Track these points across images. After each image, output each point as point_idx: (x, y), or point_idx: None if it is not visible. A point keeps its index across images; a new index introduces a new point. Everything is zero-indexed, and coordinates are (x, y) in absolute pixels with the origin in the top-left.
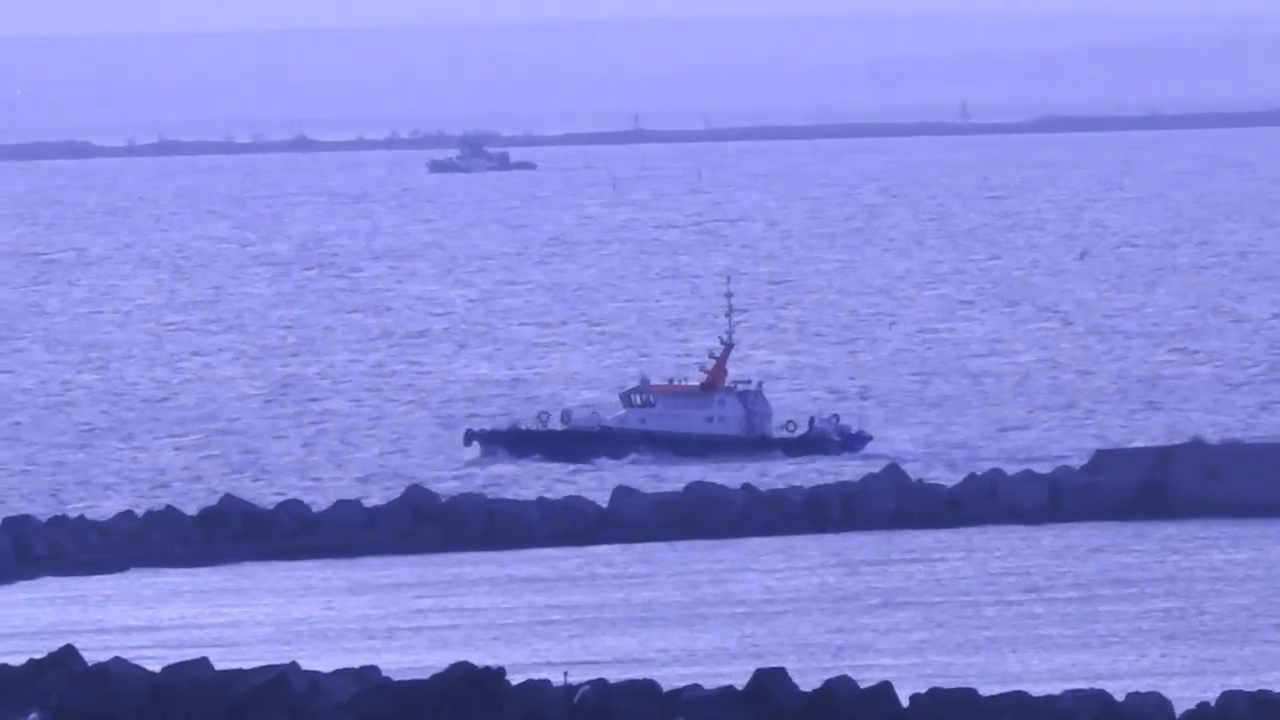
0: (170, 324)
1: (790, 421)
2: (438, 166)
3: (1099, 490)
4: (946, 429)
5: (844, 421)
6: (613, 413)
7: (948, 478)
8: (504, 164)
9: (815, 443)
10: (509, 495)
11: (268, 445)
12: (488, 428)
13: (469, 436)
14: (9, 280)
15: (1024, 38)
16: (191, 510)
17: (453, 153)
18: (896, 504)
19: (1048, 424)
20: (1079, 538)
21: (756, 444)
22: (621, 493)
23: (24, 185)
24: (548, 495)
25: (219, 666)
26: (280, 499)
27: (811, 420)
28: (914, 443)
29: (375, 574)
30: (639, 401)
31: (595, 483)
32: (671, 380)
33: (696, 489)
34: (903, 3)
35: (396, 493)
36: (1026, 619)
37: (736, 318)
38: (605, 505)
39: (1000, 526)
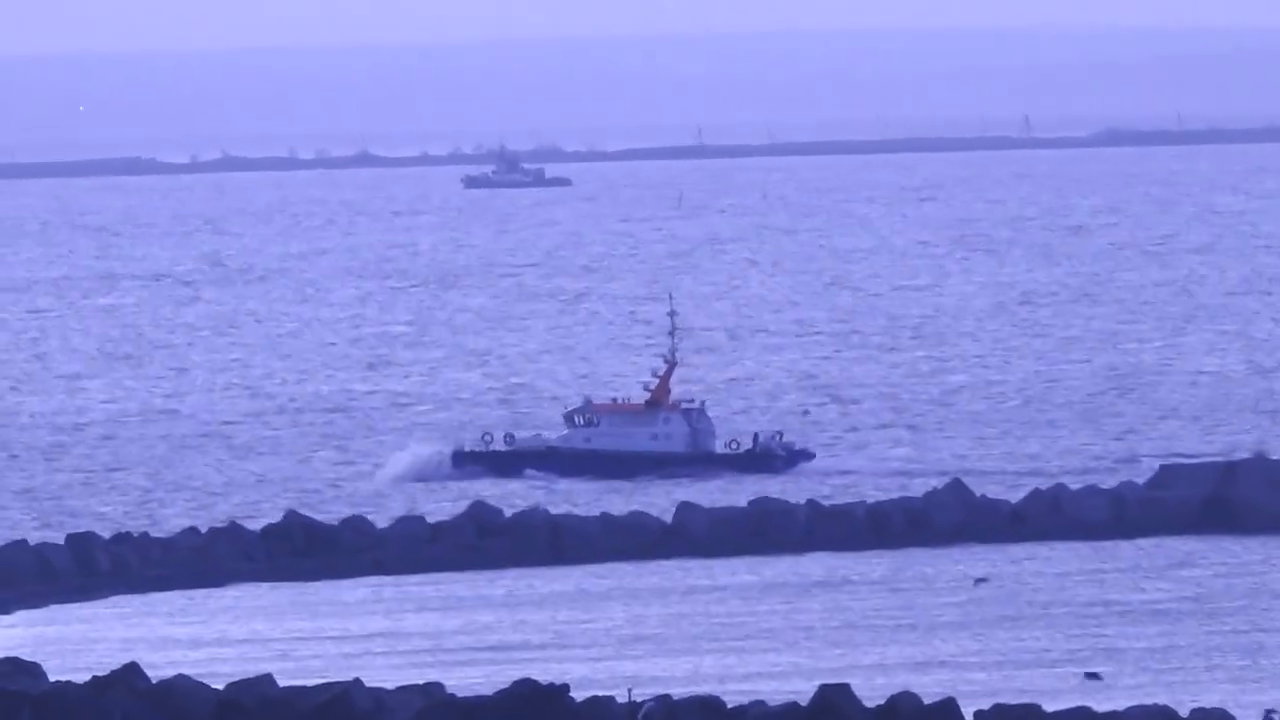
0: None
1: (734, 439)
2: (472, 182)
3: (1163, 505)
4: (999, 442)
5: (788, 438)
6: (556, 433)
7: (1010, 492)
8: (539, 180)
9: (760, 459)
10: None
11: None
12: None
13: (414, 458)
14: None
15: (1087, 50)
16: (255, 526)
17: (489, 168)
18: (961, 518)
19: (1110, 437)
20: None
21: (701, 461)
22: (685, 508)
23: (97, 202)
24: (611, 512)
25: (283, 683)
26: (344, 515)
27: (756, 437)
28: (871, 459)
29: (439, 589)
30: (582, 421)
31: (554, 500)
32: (615, 399)
33: (760, 504)
34: (966, 15)
35: (459, 508)
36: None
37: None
38: (669, 520)
39: (1064, 542)
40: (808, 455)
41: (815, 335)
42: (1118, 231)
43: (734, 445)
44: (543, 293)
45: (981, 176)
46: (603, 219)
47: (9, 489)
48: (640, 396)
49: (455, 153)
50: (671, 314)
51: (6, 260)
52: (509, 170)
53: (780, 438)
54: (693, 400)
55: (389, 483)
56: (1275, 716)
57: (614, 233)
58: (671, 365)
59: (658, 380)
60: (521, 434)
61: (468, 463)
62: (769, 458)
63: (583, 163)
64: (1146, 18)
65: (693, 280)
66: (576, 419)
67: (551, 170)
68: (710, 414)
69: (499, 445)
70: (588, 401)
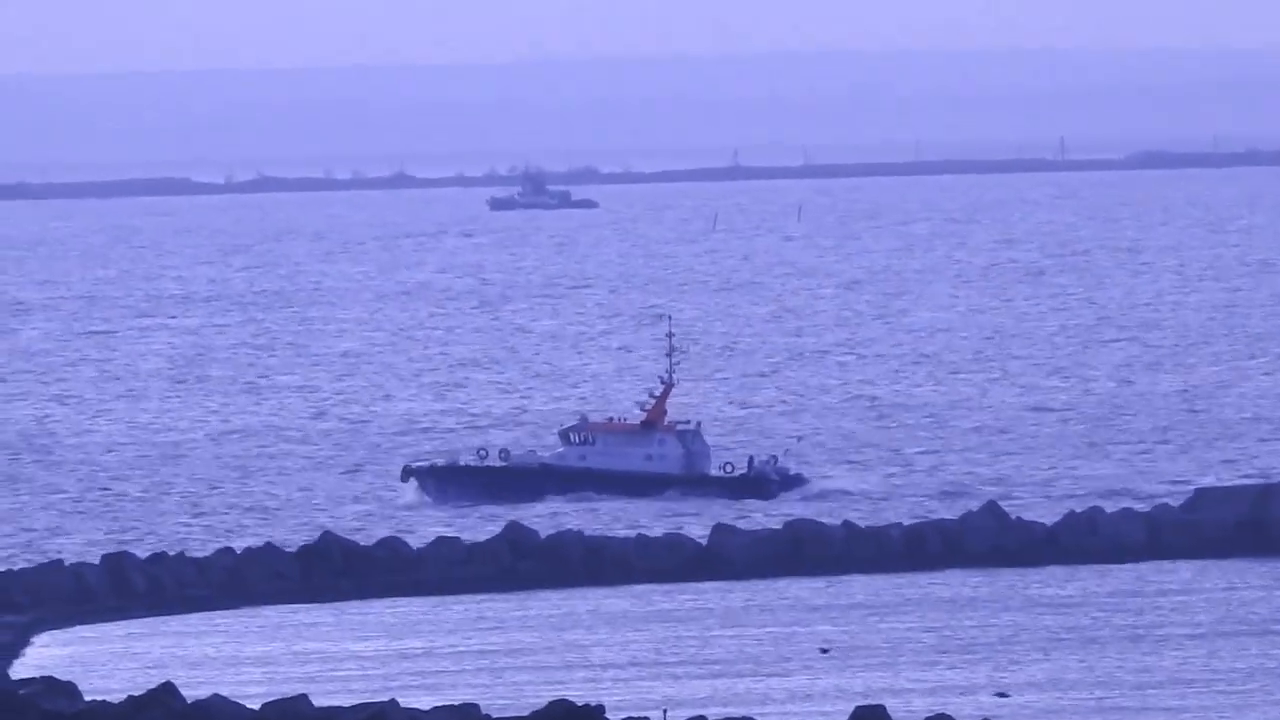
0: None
1: (728, 463)
2: (498, 204)
3: (1199, 527)
4: (1037, 463)
5: (782, 463)
6: (551, 450)
7: (1047, 514)
8: (565, 202)
9: (754, 483)
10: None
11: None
12: (425, 464)
13: (406, 473)
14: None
15: (1123, 73)
16: (291, 547)
17: (515, 190)
18: (996, 540)
19: (1146, 459)
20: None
21: (695, 483)
22: (721, 530)
23: (136, 222)
24: (647, 533)
25: (318, 703)
26: (380, 536)
27: (751, 460)
28: (867, 482)
29: (474, 610)
30: (577, 439)
31: (545, 519)
32: (611, 419)
33: (796, 526)
34: (1001, 36)
35: (495, 530)
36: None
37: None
38: (704, 542)
39: (1100, 564)
40: (802, 480)
41: (865, 356)
42: (1167, 254)
43: (728, 468)
44: (609, 313)
45: (1019, 198)
46: (643, 240)
47: (56, 508)
48: (637, 416)
49: (490, 174)
50: (669, 335)
51: (67, 278)
52: (535, 192)
53: (775, 462)
54: (688, 422)
55: (408, 502)
56: None
57: (658, 254)
58: (668, 386)
59: (654, 401)
60: (517, 451)
61: (459, 478)
62: (763, 482)
63: (618, 184)
64: (1182, 40)
65: (749, 300)
66: (572, 437)
67: (586, 192)
68: (706, 436)
69: (494, 461)
70: (583, 419)
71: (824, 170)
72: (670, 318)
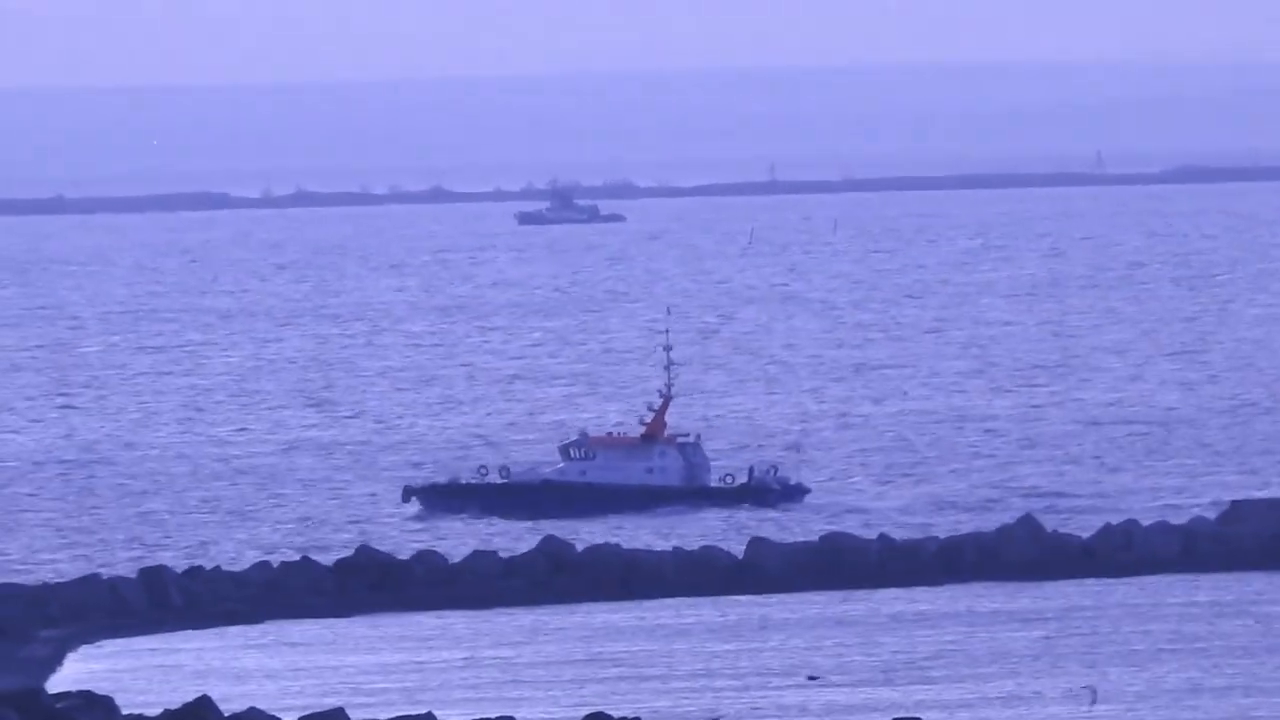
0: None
1: (728, 474)
2: (526, 219)
3: (1234, 540)
4: (1075, 474)
5: (782, 473)
6: (552, 466)
7: (1084, 527)
8: (593, 216)
9: (755, 493)
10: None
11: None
12: (426, 482)
13: (407, 492)
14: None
15: (1160, 86)
16: (327, 560)
17: (543, 205)
18: (1032, 554)
19: (1182, 473)
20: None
21: (697, 495)
22: (757, 543)
23: (182, 237)
24: (684, 547)
25: (355, 716)
26: (417, 549)
27: (751, 470)
28: (884, 498)
29: (511, 624)
30: (578, 454)
31: (561, 533)
32: (611, 433)
33: (832, 539)
34: (1038, 50)
35: (532, 543)
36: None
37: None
38: (741, 555)
39: (1136, 577)
40: (803, 490)
41: (914, 369)
42: (1221, 266)
43: (729, 479)
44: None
45: (1061, 212)
46: (681, 257)
47: (104, 522)
48: (636, 430)
49: (527, 188)
50: (667, 348)
51: (124, 292)
52: (563, 207)
53: (775, 472)
54: (688, 434)
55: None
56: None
57: (700, 270)
58: (667, 399)
59: (653, 414)
60: (517, 467)
61: (460, 496)
62: (764, 492)
63: (655, 198)
64: (1219, 53)
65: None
66: (572, 452)
67: (624, 206)
68: (705, 447)
69: (494, 478)
70: (583, 434)
71: (861, 184)
72: (667, 331)
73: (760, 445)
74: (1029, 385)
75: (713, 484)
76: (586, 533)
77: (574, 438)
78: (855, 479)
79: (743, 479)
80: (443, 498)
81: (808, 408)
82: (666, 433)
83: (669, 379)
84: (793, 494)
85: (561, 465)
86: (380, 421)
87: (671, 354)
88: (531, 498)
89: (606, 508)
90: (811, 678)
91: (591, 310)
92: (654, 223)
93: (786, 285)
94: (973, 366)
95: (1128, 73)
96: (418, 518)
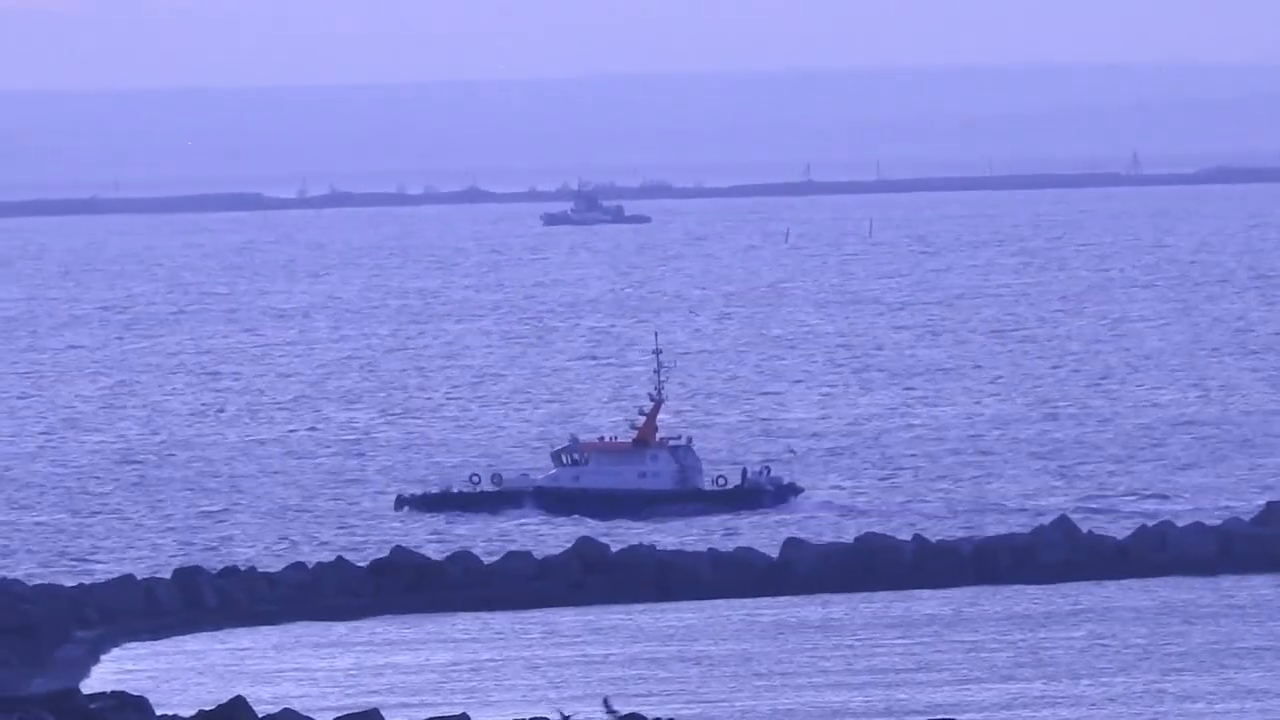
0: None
1: (720, 476)
2: (551, 219)
3: (1271, 541)
4: (1112, 479)
5: (775, 474)
6: (544, 472)
7: (1117, 529)
8: (618, 217)
9: (748, 495)
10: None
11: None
12: (419, 491)
13: (400, 503)
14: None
15: (1196, 88)
16: (362, 561)
17: (567, 206)
18: (1067, 555)
19: (1216, 474)
20: None
21: (690, 498)
22: (791, 544)
23: (236, 236)
24: (718, 548)
25: (390, 717)
26: (450, 551)
27: (744, 472)
28: (854, 493)
29: (545, 625)
30: (570, 460)
31: (568, 539)
32: (603, 438)
33: (867, 540)
34: (1074, 53)
35: (566, 545)
36: None
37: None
38: (775, 557)
39: (1171, 578)
40: (795, 490)
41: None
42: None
43: (721, 481)
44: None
45: (1107, 213)
46: (722, 255)
47: (142, 523)
48: (628, 435)
49: (563, 189)
50: (657, 352)
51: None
52: (588, 208)
53: (768, 473)
54: (679, 437)
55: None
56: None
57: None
58: (658, 403)
59: (644, 418)
60: (508, 474)
61: (453, 504)
62: (757, 493)
63: (691, 199)
64: (1254, 55)
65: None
66: (564, 458)
67: (659, 207)
68: (696, 449)
69: (486, 486)
70: (575, 440)
71: (896, 185)
72: (657, 334)
73: (752, 446)
74: (1063, 386)
75: (706, 486)
76: (621, 534)
77: (566, 443)
78: (864, 480)
79: (735, 481)
80: (434, 507)
81: (841, 410)
82: (658, 436)
83: (660, 383)
84: (785, 495)
85: (554, 471)
86: (443, 421)
87: (662, 358)
88: (523, 505)
89: (599, 514)
90: (607, 707)
91: (645, 311)
92: (686, 223)
93: (841, 284)
94: (1010, 368)
95: (1163, 75)
96: (451, 516)
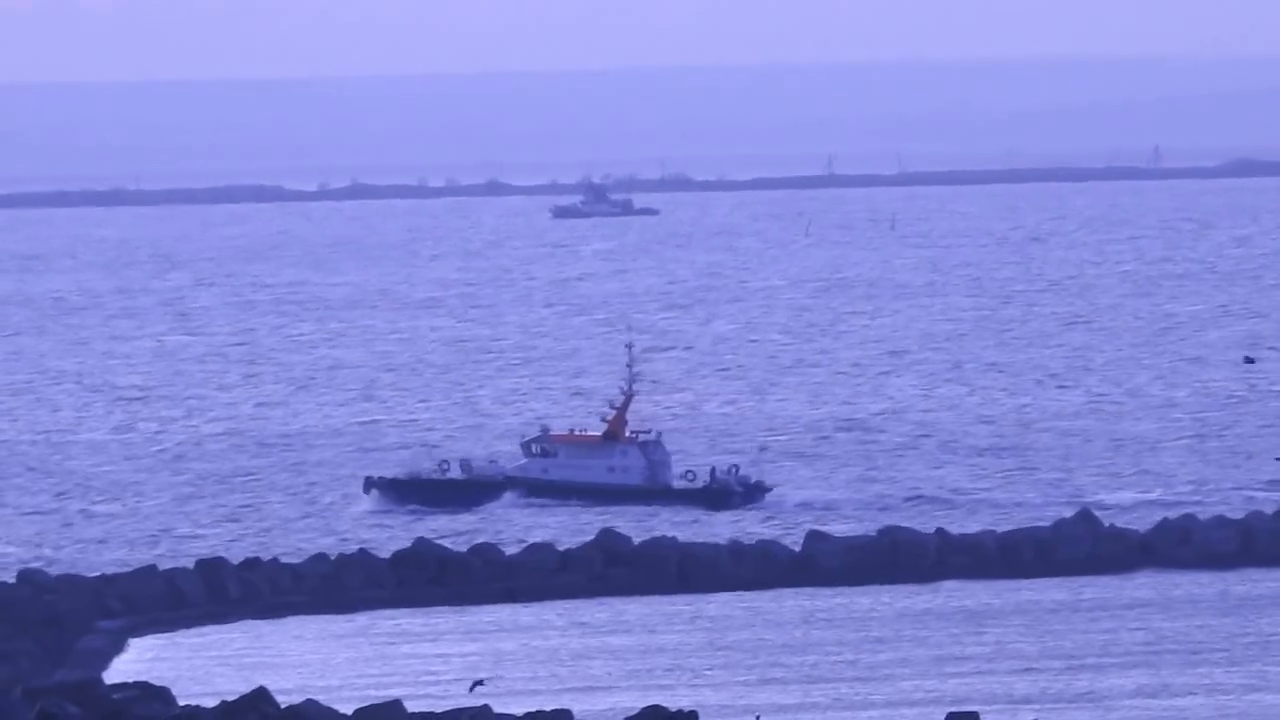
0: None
1: (689, 471)
2: (561, 212)
3: None
4: (1150, 472)
5: (743, 472)
6: (513, 462)
7: (1141, 522)
8: (627, 209)
9: (717, 493)
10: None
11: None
12: (387, 476)
13: (368, 484)
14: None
15: (1216, 81)
16: (385, 553)
17: (577, 199)
18: (1089, 549)
19: (1241, 466)
20: None
21: (658, 494)
22: (814, 537)
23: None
24: (740, 539)
25: (411, 709)
26: (473, 543)
27: (713, 470)
28: (832, 489)
29: (567, 617)
30: (539, 451)
31: (594, 528)
32: (573, 430)
33: (890, 533)
34: (1095, 47)
35: (587, 537)
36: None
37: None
38: (798, 549)
39: (1194, 572)
40: (764, 489)
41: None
42: None
43: (690, 478)
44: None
45: (1133, 206)
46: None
47: (163, 512)
48: (598, 428)
49: (583, 181)
50: (629, 346)
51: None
52: (597, 201)
53: (736, 471)
54: (649, 432)
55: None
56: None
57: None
58: (629, 397)
59: (614, 412)
60: (478, 463)
61: (421, 490)
62: (726, 492)
63: (713, 192)
64: (1275, 46)
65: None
66: (534, 448)
67: (678, 199)
68: (669, 446)
69: (455, 473)
70: (545, 431)
71: (917, 178)
72: (630, 328)
73: (724, 444)
74: (1090, 378)
75: (674, 483)
76: (642, 526)
77: (535, 434)
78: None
79: (705, 479)
80: (403, 492)
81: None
82: (628, 431)
83: (630, 377)
84: (754, 494)
85: (523, 462)
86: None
87: (634, 351)
88: (491, 494)
89: (568, 504)
90: (477, 682)
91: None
92: (696, 216)
93: (895, 276)
94: (1041, 360)
95: (1181, 68)
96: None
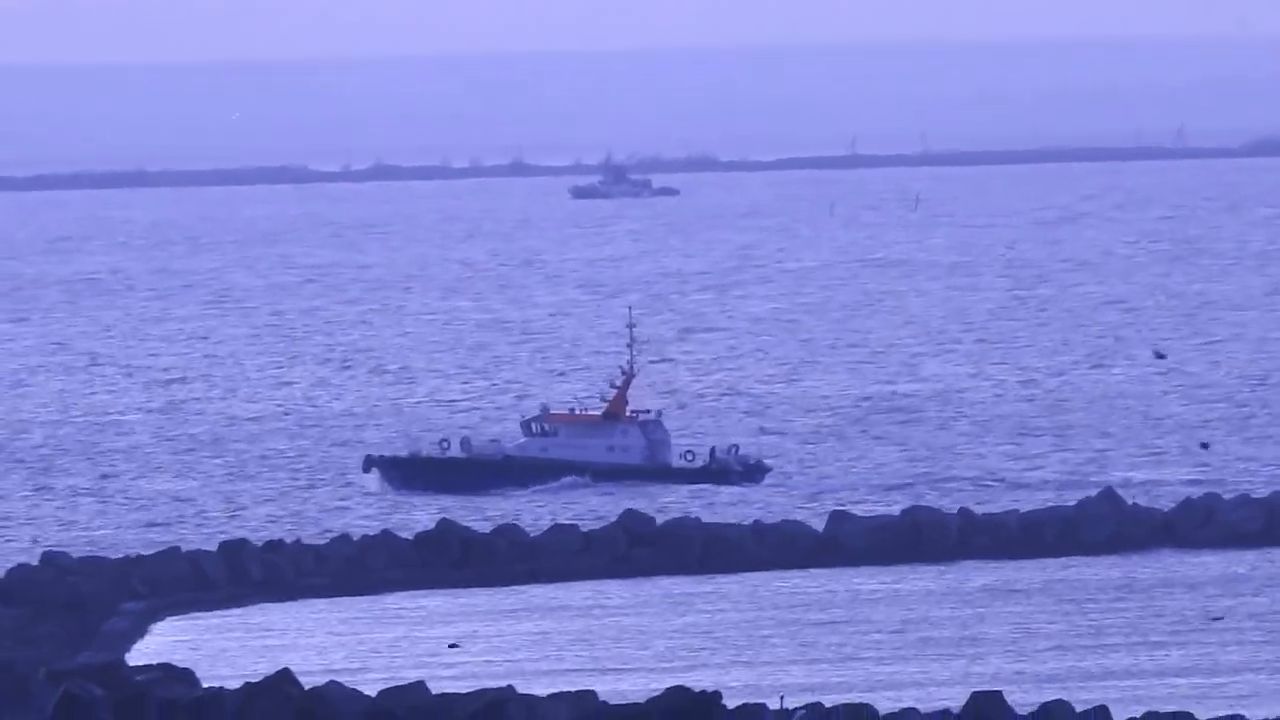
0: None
1: (689, 451)
2: (580, 193)
3: None
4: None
5: (743, 451)
6: (513, 441)
7: (1164, 501)
8: (646, 190)
9: (716, 473)
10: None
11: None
12: (387, 454)
13: (368, 463)
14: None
15: (1238, 62)
16: (408, 534)
17: (596, 179)
18: (1113, 528)
19: (1266, 445)
20: None
21: (658, 473)
22: (838, 517)
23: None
24: (764, 519)
25: (435, 690)
26: (496, 524)
27: (713, 450)
28: (842, 471)
29: (591, 598)
30: (539, 430)
31: (573, 511)
32: (573, 409)
33: (914, 513)
34: (1120, 29)
35: (611, 518)
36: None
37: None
38: (821, 529)
39: (1216, 551)
40: (764, 469)
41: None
42: None
43: (689, 457)
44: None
45: (1159, 186)
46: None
47: (186, 494)
48: (598, 407)
49: (607, 161)
50: (630, 326)
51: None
52: (616, 181)
53: (736, 451)
54: (649, 411)
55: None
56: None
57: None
58: (629, 376)
59: (615, 391)
60: (478, 441)
61: (422, 469)
62: (725, 471)
63: (736, 172)
64: None
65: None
66: (533, 427)
67: (702, 180)
68: (667, 425)
69: (455, 452)
70: (545, 410)
71: (941, 158)
72: (630, 309)
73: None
74: (1124, 357)
75: (674, 463)
76: (666, 506)
77: (535, 413)
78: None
79: (704, 458)
80: (403, 470)
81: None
82: (628, 410)
83: (632, 357)
84: (754, 473)
85: (523, 440)
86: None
87: (635, 331)
88: (491, 473)
89: (565, 484)
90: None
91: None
92: (716, 196)
93: (944, 256)
94: (1076, 339)
95: (1203, 49)
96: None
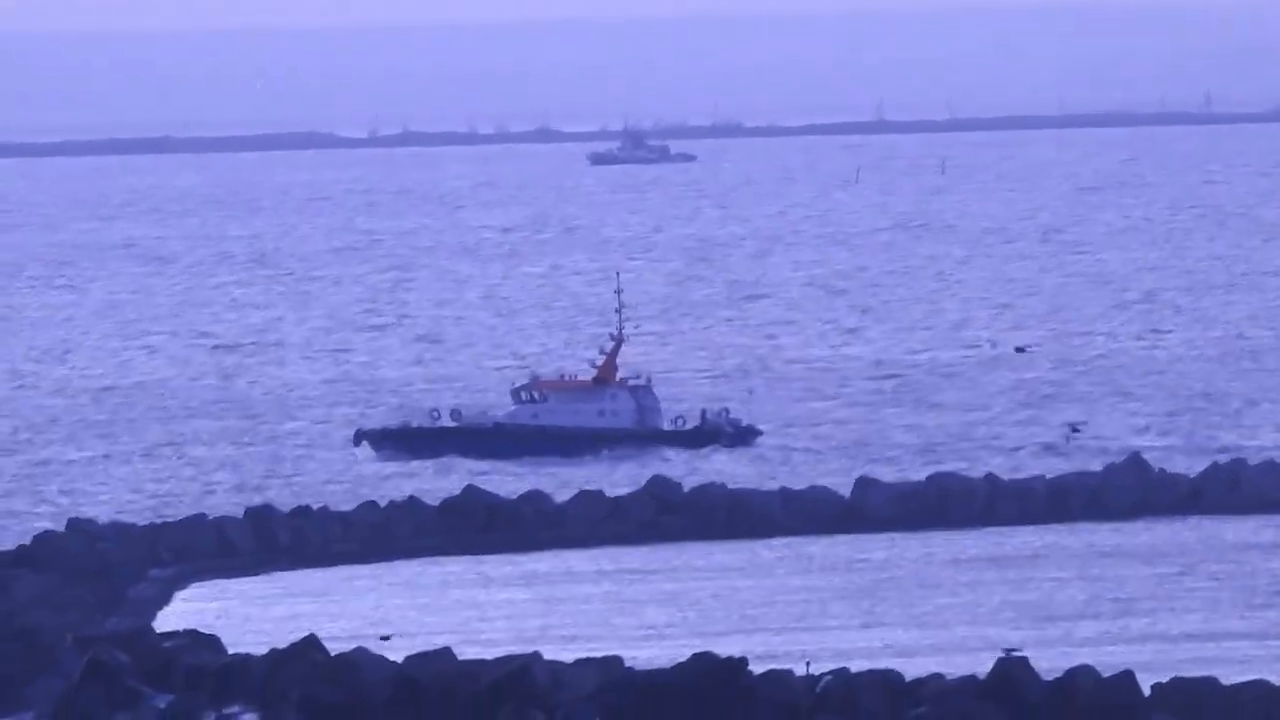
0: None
1: (679, 416)
2: (598, 159)
3: None
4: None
5: (734, 414)
6: (503, 409)
7: (1187, 466)
8: (664, 156)
9: (707, 436)
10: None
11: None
12: (378, 426)
13: (359, 435)
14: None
15: (1264, 30)
16: (434, 500)
17: (614, 145)
18: (1139, 495)
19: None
20: None
21: (649, 438)
22: (864, 483)
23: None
24: (790, 485)
25: (462, 656)
26: (523, 490)
27: (703, 413)
28: (809, 434)
29: (617, 564)
30: (528, 398)
31: (551, 479)
32: (562, 375)
33: (940, 479)
34: None
35: (638, 484)
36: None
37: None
38: (848, 495)
39: (1243, 517)
40: (755, 431)
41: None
42: None
43: (680, 422)
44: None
45: (1190, 152)
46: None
47: (210, 460)
48: (587, 373)
49: (631, 128)
50: (618, 291)
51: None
52: (635, 147)
53: (727, 414)
54: (639, 376)
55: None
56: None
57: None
58: (619, 342)
59: (604, 357)
60: (468, 410)
61: (413, 440)
62: (716, 434)
63: (764, 138)
64: None
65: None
66: (523, 395)
67: (729, 146)
68: (657, 390)
69: (445, 421)
70: (534, 378)
71: (968, 124)
72: (618, 274)
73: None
74: (1170, 324)
75: (665, 427)
76: (691, 473)
77: (525, 381)
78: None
79: (695, 422)
80: (394, 441)
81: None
82: (618, 376)
83: (620, 322)
84: (745, 436)
85: (513, 408)
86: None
87: (622, 297)
88: (483, 442)
89: (557, 451)
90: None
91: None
92: (734, 162)
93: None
94: (1121, 303)
95: (1229, 14)
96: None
